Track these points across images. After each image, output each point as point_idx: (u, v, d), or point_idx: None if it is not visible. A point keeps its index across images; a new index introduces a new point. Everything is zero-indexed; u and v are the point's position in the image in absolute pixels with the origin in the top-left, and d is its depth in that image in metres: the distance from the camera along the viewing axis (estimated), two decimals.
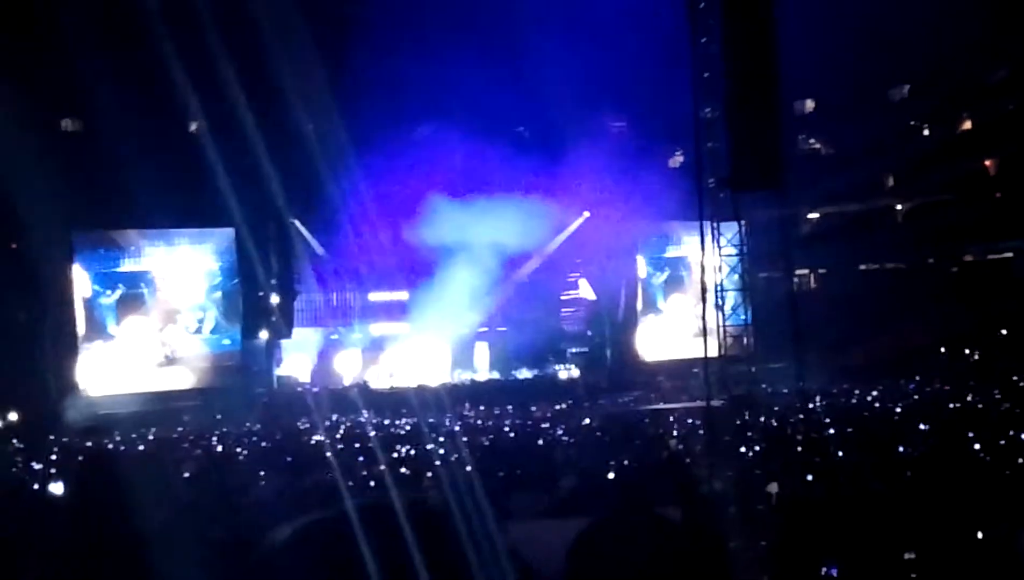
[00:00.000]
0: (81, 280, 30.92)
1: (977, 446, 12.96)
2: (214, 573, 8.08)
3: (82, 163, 28.44)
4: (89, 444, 21.37)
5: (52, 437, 23.14)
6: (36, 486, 13.96)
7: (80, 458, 18.28)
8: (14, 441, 22.98)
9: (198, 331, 32.02)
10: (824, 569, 7.49)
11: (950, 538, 7.95)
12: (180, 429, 24.74)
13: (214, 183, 29.38)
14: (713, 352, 26.73)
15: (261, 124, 30.25)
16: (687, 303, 34.77)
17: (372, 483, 12.78)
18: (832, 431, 16.05)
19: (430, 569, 7.62)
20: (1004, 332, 32.40)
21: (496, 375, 35.07)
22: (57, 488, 13.04)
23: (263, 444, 19.51)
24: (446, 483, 12.54)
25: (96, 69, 28.79)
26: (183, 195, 30.13)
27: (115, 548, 8.77)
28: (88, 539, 9.21)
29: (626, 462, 13.17)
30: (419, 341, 34.85)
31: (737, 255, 27.28)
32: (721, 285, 27.34)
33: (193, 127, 32.23)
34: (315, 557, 8.14)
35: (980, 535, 7.96)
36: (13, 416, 27.91)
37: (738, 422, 18.75)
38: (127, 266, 31.41)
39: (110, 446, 20.98)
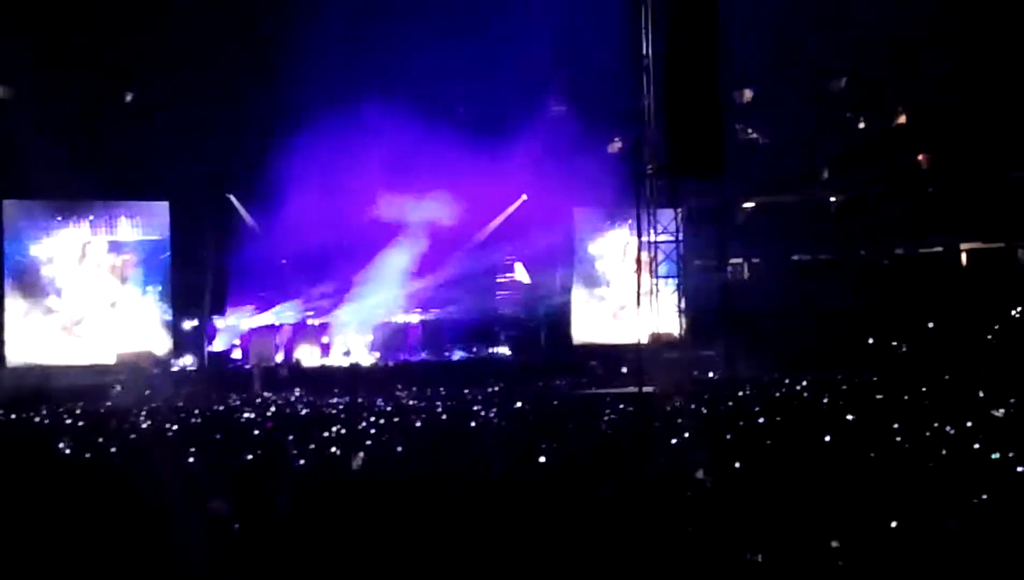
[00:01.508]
0: (9, 249, 30.44)
1: (900, 438, 13.12)
2: (136, 546, 8.04)
3: (14, 131, 27.98)
4: (13, 417, 21.13)
5: None
6: None
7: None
8: None
9: (129, 305, 31.62)
10: (748, 555, 7.56)
11: (875, 527, 8.06)
12: (108, 403, 24.46)
13: (149, 155, 29.09)
14: (646, 338, 26.97)
15: (199, 96, 30.00)
16: (616, 288, 34.88)
17: (302, 462, 12.72)
18: (761, 419, 16.16)
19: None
20: (931, 326, 32.86)
21: (429, 356, 35.02)
22: None
23: (192, 420, 19.33)
24: (378, 463, 12.55)
25: (31, 36, 28.37)
26: (117, 167, 29.81)
27: (35, 522, 8.69)
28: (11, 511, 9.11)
29: (557, 445, 13.20)
30: (352, 321, 34.73)
31: (672, 242, 27.54)
32: (655, 272, 27.57)
33: (129, 97, 31.81)
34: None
35: (903, 524, 8.08)
36: None
37: (668, 408, 18.89)
38: (57, 236, 30.94)
39: (36, 419, 20.76)
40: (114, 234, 31.47)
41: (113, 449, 14.47)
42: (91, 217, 31.22)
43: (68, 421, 19.94)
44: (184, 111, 30.00)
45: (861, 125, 36.19)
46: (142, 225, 31.72)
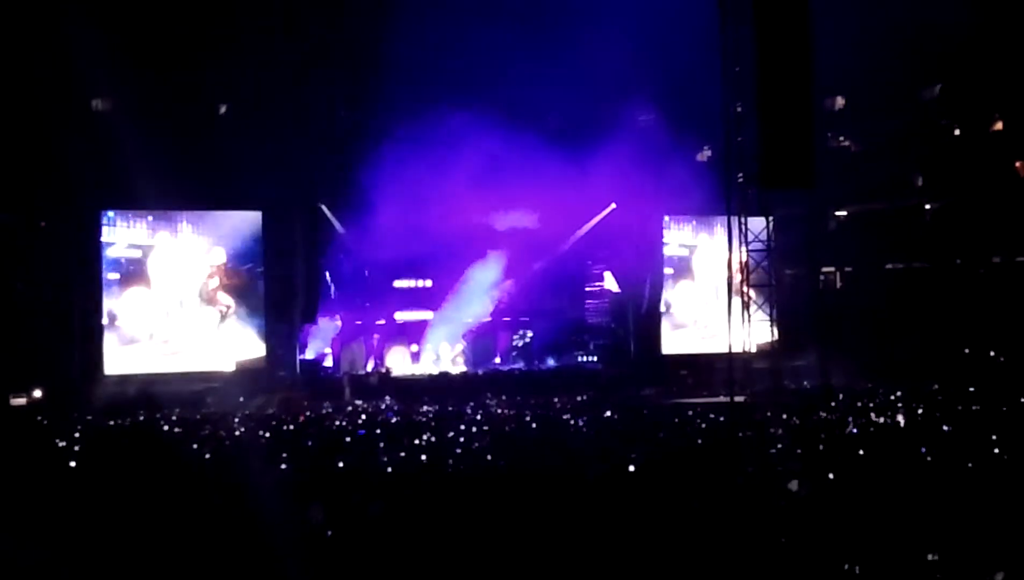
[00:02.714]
0: (109, 260, 30.97)
1: (997, 450, 12.88)
2: (231, 550, 8.15)
3: (112, 143, 28.52)
4: (112, 423, 21.53)
5: (75, 415, 23.31)
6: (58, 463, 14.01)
7: (104, 436, 18.46)
8: (38, 418, 23.12)
9: (224, 314, 32.06)
10: (845, 567, 7.47)
11: (972, 540, 7.92)
12: (203, 410, 24.84)
13: (242, 166, 29.48)
14: (738, 348, 26.72)
15: (291, 108, 30.35)
16: (701, 298, 34.74)
17: (391, 469, 12.80)
18: (854, 430, 15.96)
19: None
20: None
21: (519, 365, 35.10)
22: (75, 464, 13.14)
23: (284, 427, 19.55)
24: (467, 471, 12.59)
25: (127, 49, 28.91)
26: (211, 177, 30.22)
27: (134, 524, 8.83)
28: (107, 514, 9.28)
29: (647, 455, 13.14)
30: (442, 329, 34.92)
31: (764, 251, 27.25)
32: (747, 281, 27.29)
33: (223, 109, 32.28)
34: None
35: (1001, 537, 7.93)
36: (37, 393, 28.09)
37: (760, 418, 18.73)
38: (155, 247, 31.44)
39: (134, 426, 21.13)
40: (209, 244, 31.88)
41: (207, 455, 14.69)
42: (187, 227, 31.67)
43: (165, 428, 20.28)
44: (276, 122, 30.37)
45: (956, 132, 35.60)
46: (236, 236, 32.12)
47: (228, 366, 30.90)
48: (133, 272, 30.97)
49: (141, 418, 22.66)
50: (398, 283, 35.33)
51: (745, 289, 27.12)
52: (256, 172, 29.99)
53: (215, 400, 27.21)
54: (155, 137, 28.90)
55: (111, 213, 30.63)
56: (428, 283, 35.52)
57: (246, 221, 32.10)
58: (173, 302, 31.32)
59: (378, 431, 18.06)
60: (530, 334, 35.88)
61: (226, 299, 31.79)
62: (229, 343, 31.42)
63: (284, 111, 30.65)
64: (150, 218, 31.16)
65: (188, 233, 31.62)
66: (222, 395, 27.71)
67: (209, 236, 31.75)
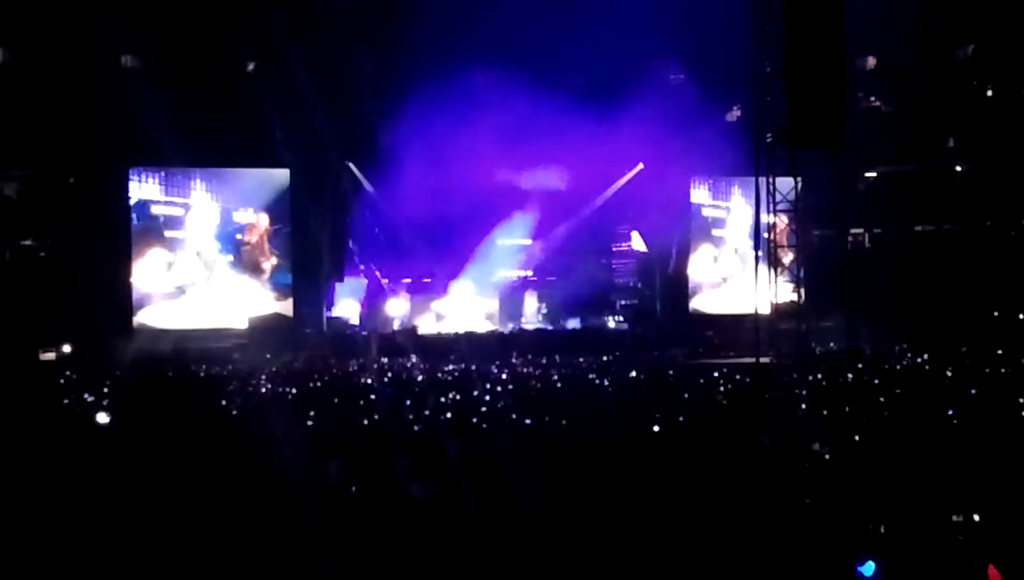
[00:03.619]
0: (139, 216, 31.12)
1: None
2: (260, 505, 8.20)
3: (141, 100, 28.58)
4: (140, 378, 21.65)
5: (104, 370, 23.46)
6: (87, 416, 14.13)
7: (131, 390, 18.56)
8: (68, 373, 23.29)
9: (251, 270, 32.20)
10: (870, 527, 7.46)
11: (998, 502, 7.89)
12: (230, 367, 24.97)
13: (270, 124, 29.50)
14: (765, 309, 26.68)
15: (318, 66, 30.29)
16: (734, 259, 34.73)
17: (417, 427, 12.84)
18: (881, 392, 15.89)
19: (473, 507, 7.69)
20: None
21: (545, 325, 35.12)
22: (102, 418, 13.24)
23: (311, 384, 19.64)
24: (493, 429, 12.61)
25: (158, 6, 28.93)
26: (240, 135, 30.27)
27: (162, 477, 8.90)
28: (136, 468, 9.35)
29: (672, 416, 13.14)
30: (469, 289, 34.96)
31: (792, 211, 27.15)
32: (775, 241, 27.22)
33: (251, 67, 32.28)
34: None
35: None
36: (67, 348, 28.31)
37: (786, 379, 18.69)
38: (181, 204, 31.56)
39: (162, 380, 21.24)
40: (235, 200, 32.01)
41: (234, 411, 14.77)
42: (214, 183, 31.80)
43: (193, 382, 20.38)
44: (304, 81, 30.34)
45: (988, 93, 35.27)
46: (263, 192, 32.24)
47: (242, 323, 31.08)
48: (163, 229, 31.18)
49: (169, 374, 22.78)
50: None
51: (773, 250, 27.06)
52: (285, 130, 30.02)
53: (242, 356, 27.33)
54: (184, 95, 29.00)
55: (140, 173, 30.84)
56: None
57: (273, 179, 32.20)
58: (204, 260, 31.54)
59: (403, 389, 18.11)
60: (557, 294, 35.86)
61: (270, 261, 32.08)
62: (251, 299, 31.64)
63: (312, 69, 30.59)
64: (178, 176, 31.32)
65: (213, 191, 31.81)
66: (249, 352, 27.84)
67: (234, 194, 31.89)
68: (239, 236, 32.11)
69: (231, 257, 31.94)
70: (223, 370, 23.75)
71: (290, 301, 32.37)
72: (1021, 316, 31.72)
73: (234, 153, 31.19)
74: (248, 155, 31.43)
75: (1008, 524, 7.46)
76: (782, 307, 26.53)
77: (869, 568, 6.77)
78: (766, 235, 27.57)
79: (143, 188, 31.09)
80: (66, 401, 16.67)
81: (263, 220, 32.17)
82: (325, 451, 10.33)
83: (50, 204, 30.34)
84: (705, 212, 35.15)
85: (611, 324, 35.39)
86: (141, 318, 30.71)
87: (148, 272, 31.06)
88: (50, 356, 27.81)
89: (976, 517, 7.49)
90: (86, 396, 17.14)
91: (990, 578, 6.76)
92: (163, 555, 7.47)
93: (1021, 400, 13.63)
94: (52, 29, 28.94)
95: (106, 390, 18.17)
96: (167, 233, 31.36)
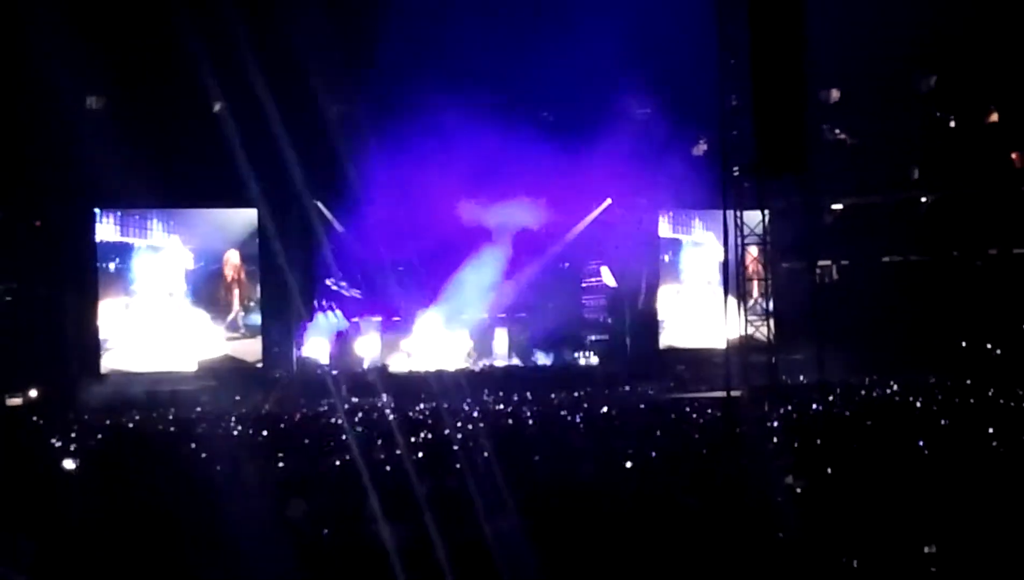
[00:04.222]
0: (104, 258, 30.91)
1: (995, 443, 12.86)
2: (229, 547, 8.11)
3: (106, 140, 28.49)
4: (108, 422, 21.50)
5: (72, 415, 23.25)
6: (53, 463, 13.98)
7: (99, 436, 18.41)
8: (34, 418, 23.08)
9: (220, 312, 32.01)
10: (843, 561, 7.45)
11: (970, 534, 7.89)
12: (198, 409, 24.79)
13: (236, 163, 29.42)
14: (734, 343, 26.70)
15: (284, 105, 30.24)
16: (702, 292, 34.77)
17: (388, 468, 12.76)
18: (852, 424, 15.93)
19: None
20: None
21: (516, 361, 35.05)
22: (69, 464, 13.12)
23: (281, 426, 19.51)
24: (465, 468, 12.54)
25: (123, 47, 28.88)
26: (205, 175, 30.17)
27: (131, 523, 8.80)
28: (105, 514, 9.24)
29: (643, 450, 13.11)
30: (439, 326, 34.87)
31: (760, 245, 27.25)
32: (743, 275, 27.29)
33: (217, 107, 32.21)
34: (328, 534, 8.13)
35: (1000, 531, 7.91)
36: (33, 393, 28.06)
37: (756, 413, 18.71)
38: (149, 245, 31.38)
39: (130, 425, 21.10)
40: (203, 242, 31.84)
41: (203, 454, 14.64)
42: (180, 224, 31.63)
43: (160, 427, 20.24)
44: (270, 119, 30.28)
45: (952, 124, 35.58)
46: (231, 233, 32.11)
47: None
48: (125, 272, 30.99)
49: (137, 418, 22.61)
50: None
51: (741, 283, 27.13)
52: (252, 169, 29.94)
53: (210, 399, 27.14)
54: (150, 135, 28.91)
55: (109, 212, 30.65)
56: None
57: (239, 218, 32.08)
58: (166, 302, 31.34)
59: (374, 430, 18.01)
60: (528, 330, 35.79)
61: (243, 299, 31.93)
62: (210, 341, 31.46)
63: (279, 108, 30.55)
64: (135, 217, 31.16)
65: (173, 232, 31.64)
66: (217, 394, 27.65)
67: (197, 235, 31.72)
68: (213, 271, 31.87)
69: (194, 298, 31.72)
70: (191, 413, 23.57)
71: (250, 341, 32.10)
72: (988, 346, 31.89)
73: (201, 193, 31.06)
74: (215, 195, 31.31)
75: (978, 554, 7.46)
76: (752, 341, 26.56)
77: None
78: (735, 269, 27.65)
79: (101, 229, 30.90)
80: (32, 447, 16.50)
81: (234, 257, 31.98)
82: (293, 492, 10.25)
83: (15, 247, 30.13)
84: (674, 247, 35.19)
85: (581, 361, 35.33)
86: (108, 362, 30.45)
87: (111, 315, 30.82)
88: (16, 401, 27.56)
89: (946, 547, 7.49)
90: (53, 441, 16.97)
91: None
92: None
93: (990, 430, 13.69)
94: (15, 69, 28.82)
95: (73, 435, 17.99)
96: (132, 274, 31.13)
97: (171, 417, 22.56)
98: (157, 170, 28.05)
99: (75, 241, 30.56)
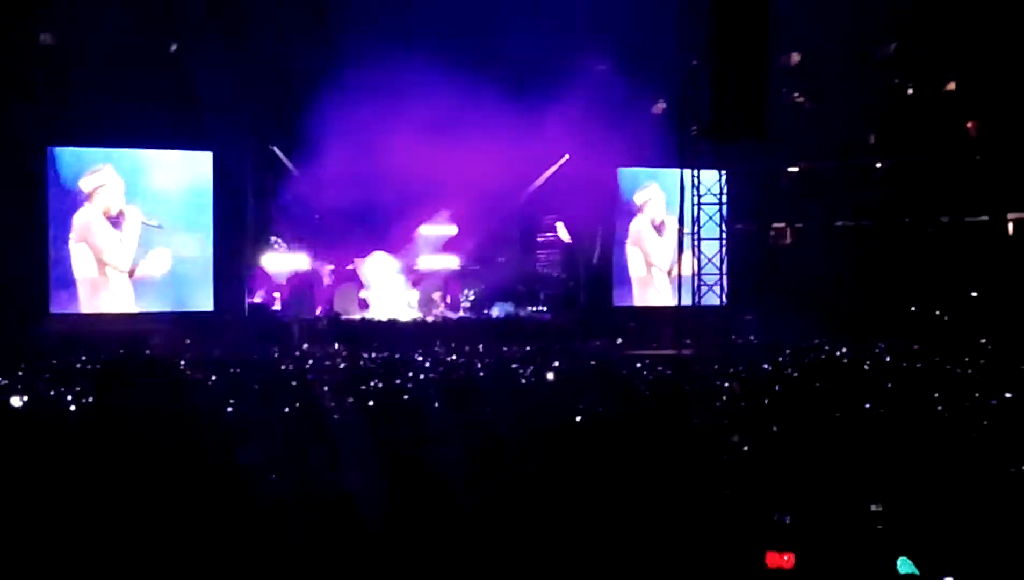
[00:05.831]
0: (57, 196, 30.51)
1: (940, 407, 13.03)
2: (178, 493, 8.11)
3: (59, 78, 28.09)
4: (55, 362, 21.32)
5: (19, 357, 23.03)
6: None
7: (47, 376, 18.28)
8: None
9: (170, 254, 31.70)
10: (776, 516, 7.53)
11: (915, 492, 8.02)
12: (148, 352, 24.63)
13: (194, 105, 29.13)
14: (687, 302, 26.89)
15: (244, 48, 29.98)
16: (657, 251, 34.83)
17: (338, 416, 12.76)
18: (799, 384, 16.08)
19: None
20: (975, 295, 32.62)
21: (469, 314, 35.09)
22: (16, 401, 13.06)
23: (232, 370, 19.42)
24: (416, 418, 12.58)
25: None
26: (162, 116, 29.84)
27: (81, 467, 8.77)
28: (53, 456, 9.20)
29: (594, 406, 13.18)
30: (393, 276, 34.83)
31: (715, 205, 27.39)
32: (698, 234, 27.43)
33: (174, 47, 31.84)
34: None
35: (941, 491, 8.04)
36: None
37: (706, 372, 18.84)
38: (102, 185, 30.98)
39: (78, 366, 20.93)
40: (159, 183, 31.48)
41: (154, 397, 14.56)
42: (135, 165, 31.25)
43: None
44: (229, 62, 29.96)
45: (909, 92, 35.81)
46: (186, 175, 31.77)
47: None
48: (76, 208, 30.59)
49: (84, 359, 22.43)
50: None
51: (696, 242, 27.28)
52: (208, 111, 29.63)
53: (160, 342, 26.95)
54: (106, 74, 28.54)
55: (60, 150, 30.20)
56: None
57: (194, 162, 31.76)
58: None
59: (325, 377, 18.00)
60: (481, 283, 35.83)
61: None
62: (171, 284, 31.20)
63: (237, 52, 30.24)
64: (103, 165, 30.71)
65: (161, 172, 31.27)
66: (168, 337, 27.46)
67: (153, 176, 31.34)
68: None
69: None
70: (140, 355, 23.42)
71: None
72: (937, 312, 32.26)
73: (157, 134, 30.69)
74: (171, 136, 30.96)
75: (922, 513, 7.58)
76: (704, 300, 26.75)
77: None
78: (689, 228, 27.77)
79: (67, 170, 30.47)
80: None
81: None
82: (243, 439, 10.25)
83: None
84: (630, 205, 35.24)
85: (535, 315, 35.40)
86: (59, 303, 30.16)
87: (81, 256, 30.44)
88: None
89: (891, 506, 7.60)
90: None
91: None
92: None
93: (935, 394, 13.88)
94: None
95: (20, 374, 17.89)
96: (89, 216, 30.74)
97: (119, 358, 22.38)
98: (111, 110, 27.73)
99: (26, 181, 30.07)
